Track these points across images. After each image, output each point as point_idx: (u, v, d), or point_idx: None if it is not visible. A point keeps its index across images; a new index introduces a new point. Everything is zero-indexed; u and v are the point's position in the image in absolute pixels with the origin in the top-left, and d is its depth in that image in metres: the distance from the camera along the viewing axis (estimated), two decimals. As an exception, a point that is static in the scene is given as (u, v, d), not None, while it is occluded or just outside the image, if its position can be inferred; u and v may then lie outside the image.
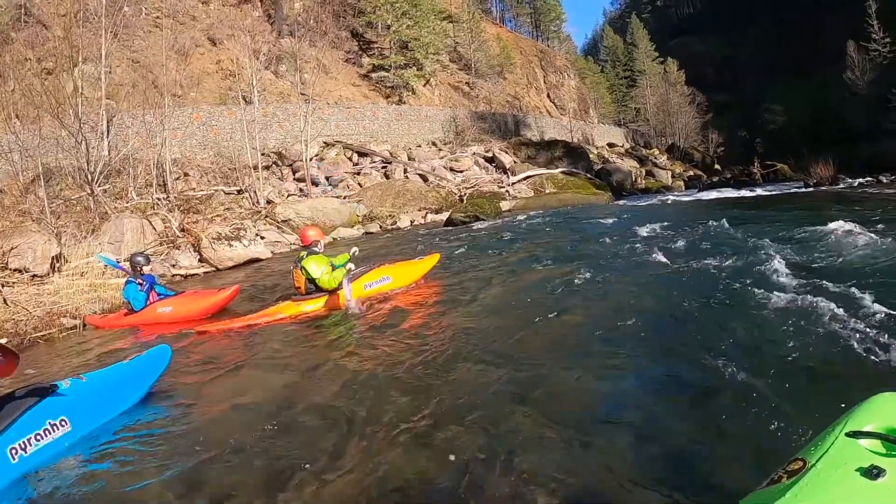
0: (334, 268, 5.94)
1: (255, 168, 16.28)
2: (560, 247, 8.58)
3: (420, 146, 26.48)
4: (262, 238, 12.68)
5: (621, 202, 21.93)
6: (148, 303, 6.69)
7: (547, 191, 22.96)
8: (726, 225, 8.28)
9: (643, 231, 8.98)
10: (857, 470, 1.21)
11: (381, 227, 16.37)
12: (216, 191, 14.81)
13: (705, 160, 46.20)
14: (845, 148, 31.02)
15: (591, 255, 7.44)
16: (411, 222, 17.23)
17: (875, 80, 42.79)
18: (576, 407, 3.04)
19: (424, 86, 33.49)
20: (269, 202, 15.30)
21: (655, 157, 44.03)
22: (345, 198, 17.81)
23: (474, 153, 26.65)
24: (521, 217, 15.96)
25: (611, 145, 46.33)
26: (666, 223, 9.70)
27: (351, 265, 5.75)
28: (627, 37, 71.50)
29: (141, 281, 6.72)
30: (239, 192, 15.44)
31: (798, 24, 60.13)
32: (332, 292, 5.86)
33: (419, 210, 18.49)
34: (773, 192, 21.08)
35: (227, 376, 4.27)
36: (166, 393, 3.99)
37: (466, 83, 38.45)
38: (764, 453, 2.26)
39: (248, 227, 12.13)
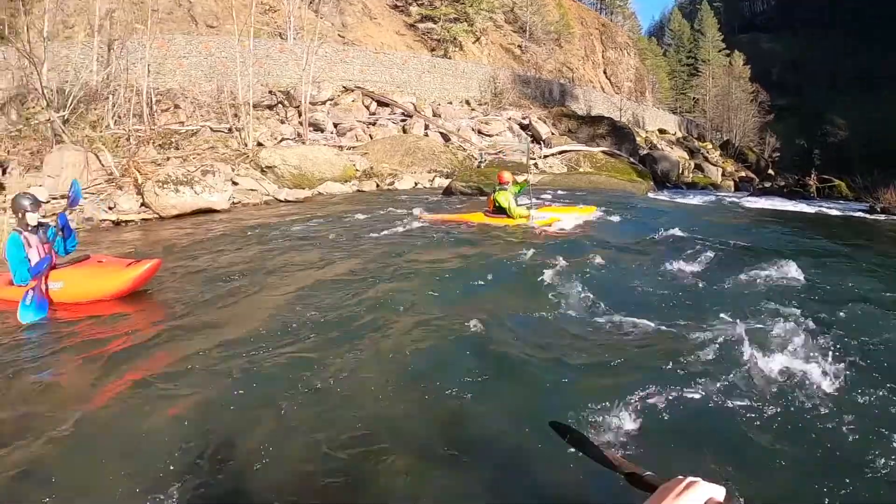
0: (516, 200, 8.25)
1: (252, 106, 15.04)
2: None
3: (451, 103, 24.88)
4: (236, 184, 11.57)
5: (662, 195, 18.94)
6: (37, 272, 4.52)
7: (581, 169, 20.60)
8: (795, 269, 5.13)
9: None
10: None
11: (377, 185, 15.03)
12: (202, 127, 13.87)
13: (759, 163, 42.80)
14: (910, 174, 28.39)
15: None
16: (415, 184, 15.83)
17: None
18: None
19: (474, 43, 31.67)
20: (259, 144, 14.28)
21: (707, 152, 41.43)
22: (349, 148, 16.66)
23: (510, 118, 24.77)
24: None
25: (661, 131, 43.70)
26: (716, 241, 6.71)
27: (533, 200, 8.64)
28: (695, 24, 69.28)
29: (27, 237, 4.58)
30: (229, 130, 14.45)
31: (877, 36, 58.51)
32: (511, 216, 8.05)
33: (429, 171, 17.17)
34: (834, 212, 16.96)
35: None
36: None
37: (519, 46, 36.29)
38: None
39: (219, 169, 11.03)
